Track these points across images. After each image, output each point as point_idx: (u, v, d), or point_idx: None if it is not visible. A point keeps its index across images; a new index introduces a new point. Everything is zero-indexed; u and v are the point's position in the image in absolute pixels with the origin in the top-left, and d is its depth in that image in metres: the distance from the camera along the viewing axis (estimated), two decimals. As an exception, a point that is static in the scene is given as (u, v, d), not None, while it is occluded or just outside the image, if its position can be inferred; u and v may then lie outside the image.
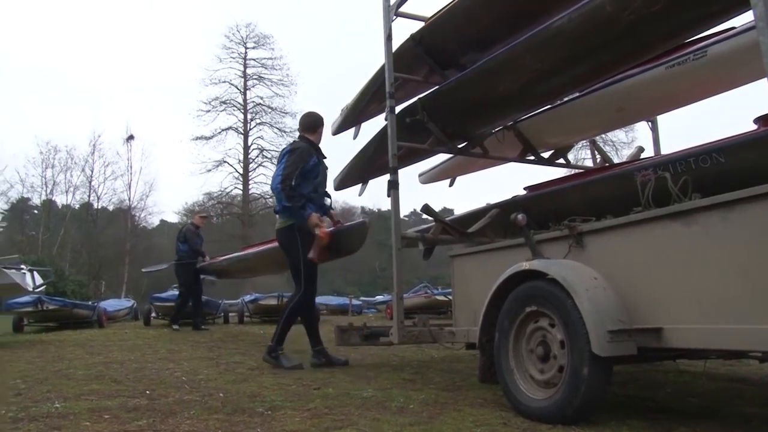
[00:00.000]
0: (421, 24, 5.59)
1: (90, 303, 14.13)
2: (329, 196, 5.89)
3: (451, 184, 7.57)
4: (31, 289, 10.15)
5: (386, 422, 3.09)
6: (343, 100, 7.92)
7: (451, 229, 5.04)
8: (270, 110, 43.01)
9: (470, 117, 5.14)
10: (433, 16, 5.44)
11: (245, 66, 42.86)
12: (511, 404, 3.39)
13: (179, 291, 11.28)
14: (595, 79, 4.42)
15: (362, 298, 27.55)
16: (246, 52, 42.83)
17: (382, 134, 5.76)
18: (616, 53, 4.02)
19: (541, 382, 3.27)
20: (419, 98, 5.32)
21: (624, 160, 7.37)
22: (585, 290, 3.03)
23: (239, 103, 42.81)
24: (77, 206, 44.45)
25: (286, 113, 42.55)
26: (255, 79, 43.15)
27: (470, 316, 4.26)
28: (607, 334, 2.88)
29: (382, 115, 6.07)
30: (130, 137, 44.21)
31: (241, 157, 42.32)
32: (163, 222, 51.95)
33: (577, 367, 2.97)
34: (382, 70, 5.59)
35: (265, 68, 43.01)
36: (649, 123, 6.03)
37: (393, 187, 4.95)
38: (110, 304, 15.46)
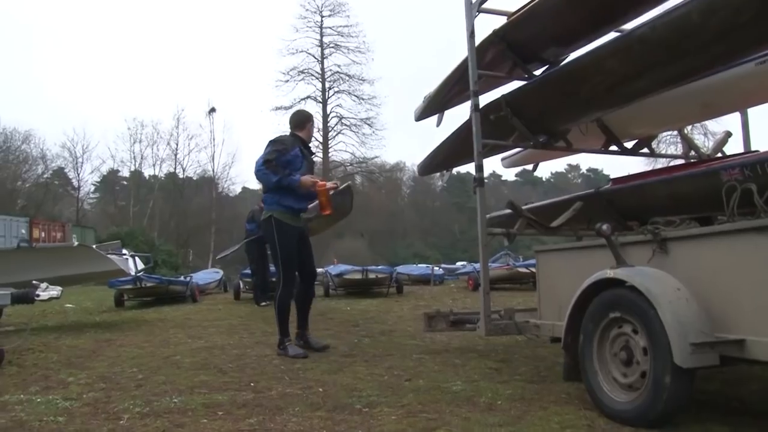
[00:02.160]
0: (503, 19, 5.58)
1: (183, 278, 14.78)
2: None
3: (534, 169, 7.68)
4: (133, 274, 10.84)
5: (476, 422, 3.31)
6: (419, 70, 8.03)
7: (535, 223, 5.16)
8: (348, 78, 43.61)
9: (554, 115, 5.22)
10: (516, 12, 5.42)
11: (321, 34, 43.42)
12: (595, 404, 3.52)
13: (251, 268, 11.45)
14: (681, 81, 4.41)
15: (443, 265, 27.63)
16: (322, 21, 43.43)
17: (466, 126, 5.85)
18: (704, 58, 4.01)
19: (624, 385, 3.39)
20: (503, 95, 5.39)
21: (711, 144, 7.25)
22: (668, 302, 3.11)
23: (317, 72, 43.48)
24: (163, 177, 46.20)
25: (364, 80, 43.12)
26: (332, 47, 43.72)
27: (555, 311, 4.38)
28: (689, 347, 2.97)
29: (465, 103, 6.20)
30: (212, 110, 45.65)
31: (320, 126, 43.02)
32: (245, 189, 53.34)
33: (659, 375, 3.08)
34: (465, 62, 5.65)
35: (342, 36, 43.56)
36: (739, 109, 5.93)
37: (479, 185, 5.03)
38: (201, 277, 16.10)
